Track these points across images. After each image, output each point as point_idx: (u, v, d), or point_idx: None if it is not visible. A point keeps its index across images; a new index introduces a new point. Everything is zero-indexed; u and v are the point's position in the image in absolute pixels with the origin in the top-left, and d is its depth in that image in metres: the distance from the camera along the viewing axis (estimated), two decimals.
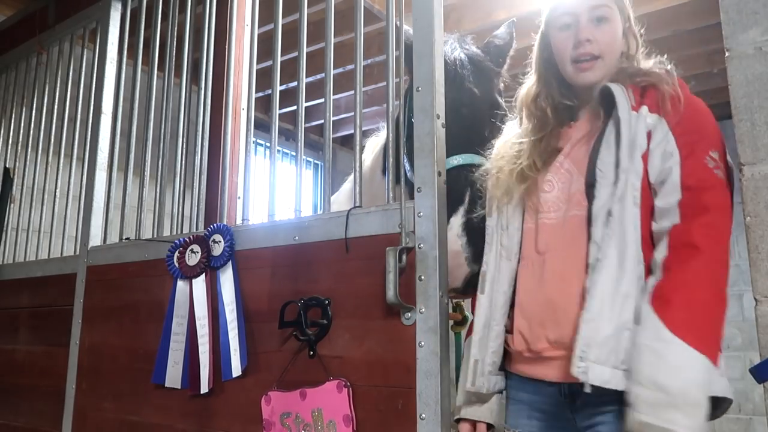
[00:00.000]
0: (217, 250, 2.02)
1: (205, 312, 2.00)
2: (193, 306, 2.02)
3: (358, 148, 1.89)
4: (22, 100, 3.38)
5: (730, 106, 1.25)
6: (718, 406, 1.29)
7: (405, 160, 1.79)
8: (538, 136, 1.54)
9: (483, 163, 1.70)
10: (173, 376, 2.06)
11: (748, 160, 1.23)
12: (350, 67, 4.09)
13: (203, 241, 2.06)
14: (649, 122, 1.36)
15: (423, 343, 1.55)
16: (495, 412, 1.52)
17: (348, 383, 1.65)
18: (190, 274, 2.05)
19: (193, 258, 2.06)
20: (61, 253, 2.89)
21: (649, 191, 1.35)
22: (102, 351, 2.42)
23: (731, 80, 1.26)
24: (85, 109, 2.88)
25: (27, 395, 2.73)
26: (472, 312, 1.68)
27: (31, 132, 3.25)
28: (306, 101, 2.72)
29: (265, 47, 2.35)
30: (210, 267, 2.03)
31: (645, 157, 1.35)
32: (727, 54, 1.28)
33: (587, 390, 1.27)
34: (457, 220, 1.65)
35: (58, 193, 3.03)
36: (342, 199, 2.47)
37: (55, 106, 3.16)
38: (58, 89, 3.19)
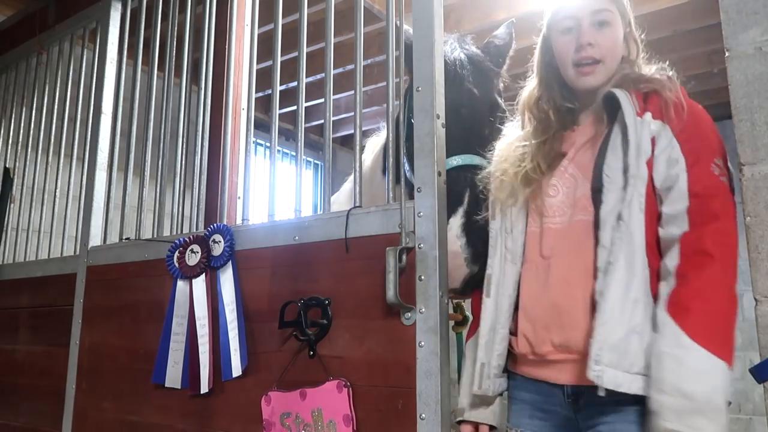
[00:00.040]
0: (217, 250, 2.02)
1: (205, 312, 2.00)
2: (193, 306, 2.02)
3: (358, 148, 1.89)
4: (22, 100, 3.38)
5: (730, 106, 1.25)
6: None
7: (404, 161, 1.79)
8: (542, 138, 1.54)
9: (483, 164, 1.70)
10: (173, 376, 2.06)
11: (748, 160, 1.23)
12: (350, 67, 4.10)
13: (203, 241, 2.06)
14: (653, 128, 1.38)
15: (423, 343, 1.55)
16: (498, 414, 1.55)
17: (348, 383, 1.65)
18: (190, 274, 2.05)
19: (193, 258, 2.06)
20: (61, 253, 2.89)
21: (653, 197, 1.36)
22: (102, 351, 2.42)
23: (731, 80, 1.26)
24: (85, 109, 2.88)
25: (27, 395, 2.73)
26: (472, 313, 1.68)
27: (31, 132, 3.25)
28: (306, 101, 2.72)
29: (265, 47, 2.35)
30: (210, 267, 2.03)
31: (649, 163, 1.36)
32: (727, 54, 1.28)
33: (601, 393, 1.28)
34: (456, 221, 1.65)
35: (58, 193, 3.03)
36: (342, 199, 2.47)
37: (55, 106, 3.16)
38: (58, 89, 3.18)
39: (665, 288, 1.31)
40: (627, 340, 1.29)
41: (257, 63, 2.24)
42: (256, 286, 1.95)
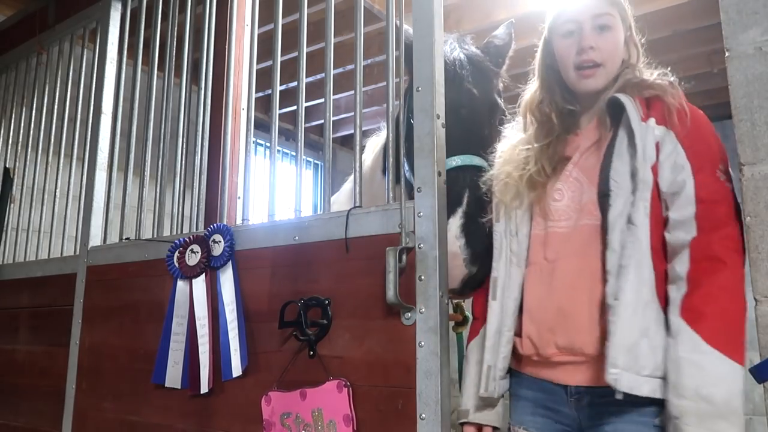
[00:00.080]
0: (217, 250, 2.02)
1: (205, 312, 2.00)
2: (193, 306, 2.02)
3: (358, 148, 1.88)
4: (22, 100, 3.38)
5: (730, 106, 1.25)
6: None
7: (404, 161, 1.79)
8: (545, 142, 1.56)
9: (482, 165, 1.71)
10: (173, 376, 2.06)
11: (748, 160, 1.23)
12: (350, 67, 4.09)
13: (203, 241, 2.06)
14: (657, 134, 1.39)
15: (423, 343, 1.55)
16: (501, 415, 1.56)
17: (348, 383, 1.65)
18: (190, 274, 2.05)
19: (193, 258, 2.06)
20: (61, 253, 2.89)
21: (658, 202, 1.38)
22: (102, 351, 2.42)
23: (731, 80, 1.26)
24: (85, 109, 2.88)
25: (27, 395, 2.73)
26: (473, 313, 1.68)
27: (31, 132, 3.25)
28: (306, 101, 2.72)
29: (265, 47, 2.35)
30: (210, 267, 2.03)
31: (654, 169, 1.37)
32: (727, 54, 1.28)
33: (619, 397, 1.29)
34: (455, 222, 1.65)
35: (58, 193, 3.03)
36: (342, 199, 2.47)
37: (55, 106, 3.16)
38: (58, 89, 3.18)
39: (675, 292, 1.32)
40: (638, 343, 1.30)
41: (257, 63, 2.24)
42: (256, 286, 1.95)
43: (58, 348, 2.59)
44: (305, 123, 2.78)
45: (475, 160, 1.72)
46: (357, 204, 1.81)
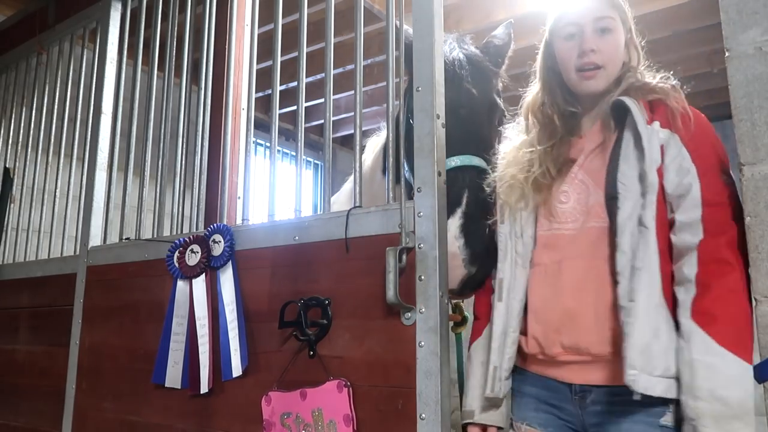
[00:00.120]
0: (217, 250, 2.02)
1: (205, 312, 2.00)
2: (193, 306, 2.02)
3: (358, 148, 1.88)
4: (22, 100, 3.38)
5: (730, 106, 1.25)
6: None
7: (404, 161, 1.79)
8: (549, 144, 1.57)
9: (482, 165, 1.71)
10: (173, 376, 2.06)
11: (748, 160, 1.23)
12: (350, 67, 4.10)
13: (203, 241, 2.06)
14: (661, 137, 1.40)
15: (423, 343, 1.55)
16: (505, 415, 1.58)
17: (348, 383, 1.65)
18: (190, 274, 2.05)
19: (193, 258, 2.06)
20: (61, 253, 2.89)
21: (663, 204, 1.38)
22: (102, 351, 2.42)
23: (731, 80, 1.26)
24: (85, 109, 2.88)
25: (27, 395, 2.73)
26: (475, 314, 1.69)
27: (31, 132, 3.24)
28: (306, 101, 2.72)
29: (265, 47, 2.35)
30: (210, 267, 2.03)
31: (659, 171, 1.38)
32: (727, 54, 1.28)
33: (636, 398, 1.30)
34: (454, 222, 1.65)
35: (58, 193, 3.03)
36: (342, 199, 2.47)
37: (55, 106, 3.16)
38: (58, 89, 3.18)
39: (684, 295, 1.33)
40: (651, 344, 1.31)
41: (257, 63, 2.24)
42: (256, 286, 1.95)
43: (58, 348, 2.59)
44: (305, 123, 2.79)
45: (475, 161, 1.72)
46: (357, 204, 1.81)
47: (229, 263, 2.00)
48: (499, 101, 1.90)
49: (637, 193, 1.38)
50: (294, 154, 2.94)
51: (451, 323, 1.98)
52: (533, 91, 1.67)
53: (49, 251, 2.98)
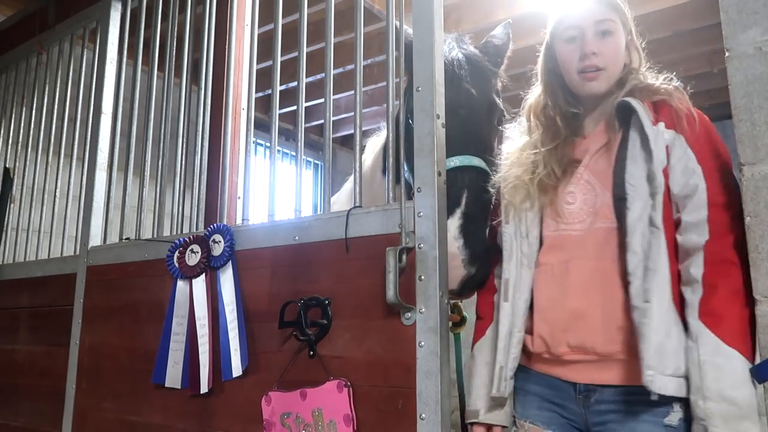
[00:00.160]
0: (217, 250, 2.02)
1: (205, 312, 2.00)
2: (193, 306, 2.02)
3: (358, 148, 1.88)
4: (22, 100, 3.38)
5: (730, 106, 1.25)
6: None
7: (403, 161, 1.79)
8: (553, 145, 1.58)
9: (481, 165, 1.71)
10: (173, 376, 2.06)
11: (748, 160, 1.23)
12: (350, 67, 4.10)
13: (203, 241, 2.05)
14: (666, 138, 1.41)
15: (423, 343, 1.55)
16: (509, 414, 1.58)
17: (348, 383, 1.65)
18: (190, 274, 2.05)
19: (193, 258, 2.06)
20: (61, 253, 2.89)
21: (669, 204, 1.39)
22: (102, 351, 2.42)
23: (731, 80, 1.26)
24: (85, 109, 2.88)
25: (27, 395, 2.73)
26: (478, 313, 1.69)
27: (31, 132, 3.24)
28: (306, 101, 2.72)
29: (265, 47, 2.35)
30: (210, 267, 2.03)
31: (665, 172, 1.39)
32: (727, 54, 1.28)
33: (654, 398, 1.30)
34: (453, 223, 1.65)
35: (58, 193, 3.03)
36: (342, 199, 2.47)
37: (55, 106, 3.16)
38: (58, 89, 3.18)
39: (691, 295, 1.34)
40: (664, 344, 1.32)
41: (257, 63, 2.24)
42: (256, 286, 1.95)
43: (58, 348, 2.59)
44: (305, 123, 2.79)
45: (474, 161, 1.72)
46: (357, 204, 1.81)
47: (229, 263, 2.00)
48: (499, 101, 1.90)
49: (646, 194, 1.38)
50: (294, 154, 2.94)
51: (450, 323, 1.97)
52: (535, 93, 1.68)
53: (49, 251, 2.98)
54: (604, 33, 1.52)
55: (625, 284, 1.38)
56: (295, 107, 2.11)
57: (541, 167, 1.56)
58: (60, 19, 3.22)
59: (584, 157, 1.54)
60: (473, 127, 1.79)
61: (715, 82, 5.04)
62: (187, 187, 2.47)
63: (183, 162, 2.47)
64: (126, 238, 2.49)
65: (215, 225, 2.08)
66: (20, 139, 3.34)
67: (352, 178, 1.99)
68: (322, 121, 2.38)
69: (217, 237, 2.04)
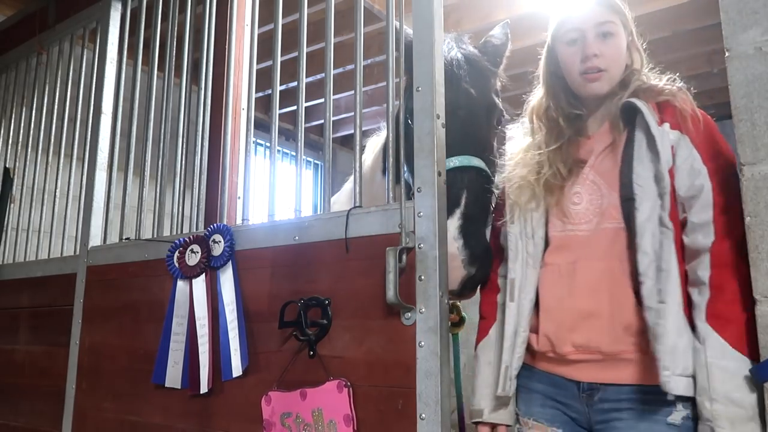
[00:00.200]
0: (217, 250, 2.02)
1: (205, 312, 2.00)
2: (193, 306, 2.02)
3: (358, 148, 1.88)
4: (22, 100, 3.38)
5: (730, 106, 1.25)
6: None
7: (403, 161, 1.79)
8: (557, 145, 1.59)
9: (481, 165, 1.72)
10: (173, 376, 2.06)
11: (748, 160, 1.23)
12: (350, 67, 4.10)
13: (203, 241, 2.05)
14: (671, 138, 1.42)
15: (423, 343, 1.55)
16: (513, 412, 1.59)
17: (348, 383, 1.65)
18: (190, 274, 2.05)
19: (193, 258, 2.06)
20: (61, 253, 2.88)
21: (674, 205, 1.39)
22: (102, 351, 2.42)
23: (731, 80, 1.27)
24: (85, 109, 2.88)
25: (27, 395, 2.73)
26: (481, 312, 1.69)
27: (31, 132, 3.24)
28: (306, 101, 2.72)
29: (265, 47, 2.35)
30: (210, 267, 2.03)
31: (670, 172, 1.39)
32: (727, 54, 1.28)
33: (670, 398, 1.31)
34: (453, 223, 1.65)
35: (58, 193, 3.03)
36: (342, 199, 2.47)
37: (55, 106, 3.16)
38: (58, 89, 3.18)
39: (698, 296, 1.34)
40: (677, 344, 1.32)
41: (257, 63, 2.24)
42: (256, 286, 1.95)
43: (58, 348, 2.59)
44: (305, 123, 2.78)
45: (474, 161, 1.72)
46: (357, 204, 1.81)
47: (229, 263, 2.00)
48: (498, 101, 1.90)
49: (654, 194, 1.39)
50: (294, 154, 2.94)
51: (449, 324, 1.97)
52: (537, 95, 1.69)
53: (49, 251, 2.98)
54: (605, 35, 1.53)
55: (634, 284, 1.39)
56: (295, 107, 2.11)
57: (546, 167, 1.57)
58: (60, 19, 3.22)
59: (589, 158, 1.55)
60: (472, 127, 1.79)
61: (715, 82, 5.04)
62: (187, 187, 2.47)
63: (183, 162, 2.47)
64: (126, 238, 2.48)
65: (215, 225, 2.08)
66: (20, 139, 3.34)
67: (352, 178, 1.99)
68: (322, 121, 2.38)
69: (217, 237, 2.04)
